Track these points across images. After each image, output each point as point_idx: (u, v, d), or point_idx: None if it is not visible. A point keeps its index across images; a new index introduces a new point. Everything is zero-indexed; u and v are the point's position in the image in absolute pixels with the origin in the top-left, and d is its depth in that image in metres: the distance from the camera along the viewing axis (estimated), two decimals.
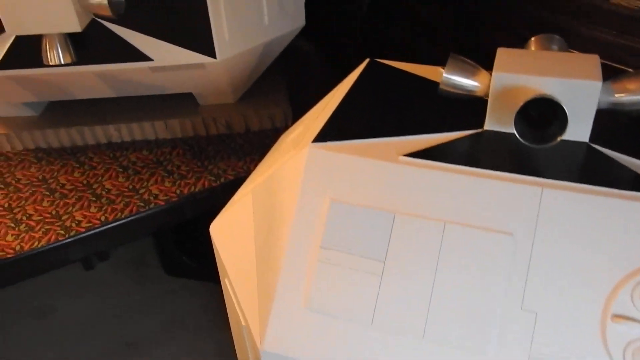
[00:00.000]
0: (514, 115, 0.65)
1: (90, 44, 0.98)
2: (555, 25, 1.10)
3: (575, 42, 1.10)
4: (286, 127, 1.25)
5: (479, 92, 0.71)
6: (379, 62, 0.89)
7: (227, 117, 1.23)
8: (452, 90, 0.72)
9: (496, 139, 0.69)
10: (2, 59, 1.00)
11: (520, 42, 0.90)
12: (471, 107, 0.73)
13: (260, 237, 0.75)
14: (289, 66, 1.39)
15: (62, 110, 1.23)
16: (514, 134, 0.65)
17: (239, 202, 0.81)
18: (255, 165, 1.16)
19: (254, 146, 1.22)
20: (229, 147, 1.21)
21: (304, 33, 1.24)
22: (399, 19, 1.41)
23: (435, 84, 0.81)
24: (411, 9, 1.36)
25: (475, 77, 0.71)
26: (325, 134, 0.71)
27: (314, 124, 0.79)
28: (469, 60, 0.72)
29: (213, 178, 1.12)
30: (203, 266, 1.75)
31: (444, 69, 0.86)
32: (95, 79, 1.09)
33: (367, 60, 0.89)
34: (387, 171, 0.67)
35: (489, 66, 0.73)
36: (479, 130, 0.71)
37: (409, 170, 0.66)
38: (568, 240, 0.60)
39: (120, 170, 1.15)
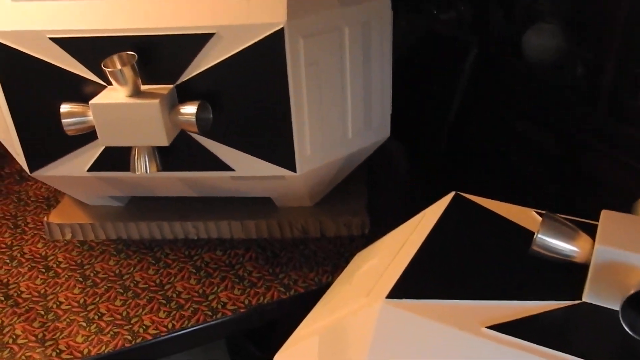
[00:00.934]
0: (620, 295, 0.57)
1: (176, 153, 1.00)
2: None
3: None
4: (362, 237, 1.21)
5: (578, 259, 0.64)
6: (465, 197, 0.83)
7: (303, 222, 1.21)
8: (546, 253, 0.65)
9: (597, 317, 0.61)
10: (93, 163, 1.04)
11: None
12: (566, 271, 0.66)
13: None
14: (371, 161, 1.35)
15: (145, 204, 1.26)
16: (618, 311, 0.57)
17: (305, 341, 0.77)
18: (327, 279, 1.12)
19: (327, 254, 1.18)
20: (302, 253, 1.19)
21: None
22: (489, 128, 1.35)
23: (526, 233, 0.74)
24: (505, 123, 1.31)
25: (574, 241, 0.64)
26: (401, 290, 0.66)
27: (389, 268, 0.74)
28: (567, 222, 0.65)
29: (283, 289, 1.09)
30: (270, 358, 1.70)
31: (537, 213, 0.79)
32: (178, 182, 1.11)
33: (453, 194, 0.84)
34: (467, 343, 0.60)
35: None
36: (576, 302, 0.63)
37: (492, 346, 0.59)
38: None
39: (193, 271, 1.15)
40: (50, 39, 0.92)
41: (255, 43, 0.90)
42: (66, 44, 0.93)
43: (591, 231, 0.67)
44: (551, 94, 1.31)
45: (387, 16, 1.05)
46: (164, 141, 0.93)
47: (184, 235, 1.23)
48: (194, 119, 0.91)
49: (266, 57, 0.91)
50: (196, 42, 0.91)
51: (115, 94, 0.92)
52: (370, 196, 1.28)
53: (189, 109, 0.91)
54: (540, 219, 0.77)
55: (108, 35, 0.91)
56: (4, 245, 1.25)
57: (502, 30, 1.46)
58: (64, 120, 0.93)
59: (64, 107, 0.93)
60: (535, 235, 0.65)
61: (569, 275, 0.65)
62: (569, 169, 1.26)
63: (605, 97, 1.19)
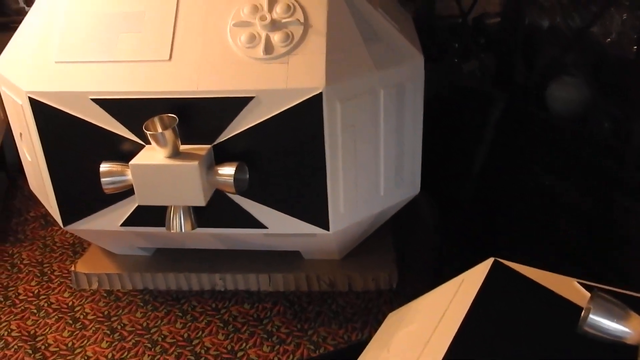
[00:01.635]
0: None
1: (210, 211, 1.01)
2: None
3: None
4: (390, 291, 1.20)
5: (630, 340, 0.63)
6: (504, 265, 0.83)
7: (331, 275, 1.20)
8: (596, 333, 0.64)
9: None
10: (127, 218, 1.05)
11: None
12: (615, 348, 0.65)
13: None
14: (398, 212, 1.34)
15: (172, 254, 1.26)
16: None
17: None
18: (356, 337, 1.11)
19: (356, 310, 1.17)
20: (330, 308, 1.18)
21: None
22: (515, 181, 1.35)
23: (570, 306, 0.73)
24: (532, 177, 1.31)
25: (626, 322, 0.63)
26: None
27: (433, 338, 0.73)
28: (617, 301, 0.65)
29: (312, 347, 1.08)
30: None
31: (580, 284, 0.78)
32: (209, 237, 1.11)
33: (492, 261, 0.84)
34: None
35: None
36: None
37: None
38: None
39: (221, 325, 1.14)
40: (92, 99, 0.94)
41: (294, 107, 0.91)
42: (107, 104, 0.94)
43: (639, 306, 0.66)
44: (577, 148, 1.31)
45: (420, 77, 1.06)
46: (201, 201, 0.93)
47: (211, 287, 1.23)
48: (232, 180, 0.92)
49: (304, 120, 0.92)
50: (236, 104, 0.92)
51: (154, 154, 0.93)
52: (396, 247, 1.27)
53: (227, 170, 0.92)
54: (582, 289, 0.77)
55: (149, 97, 0.93)
56: (31, 294, 1.25)
57: (525, 82, 1.48)
58: (103, 179, 0.94)
59: (104, 167, 0.94)
60: (585, 315, 0.64)
61: (618, 353, 0.65)
62: (597, 224, 1.25)
63: (633, 151, 1.19)
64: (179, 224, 0.97)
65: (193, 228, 0.98)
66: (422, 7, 1.91)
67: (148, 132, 0.88)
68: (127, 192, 0.99)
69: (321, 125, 0.92)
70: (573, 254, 1.23)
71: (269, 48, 0.92)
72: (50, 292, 1.26)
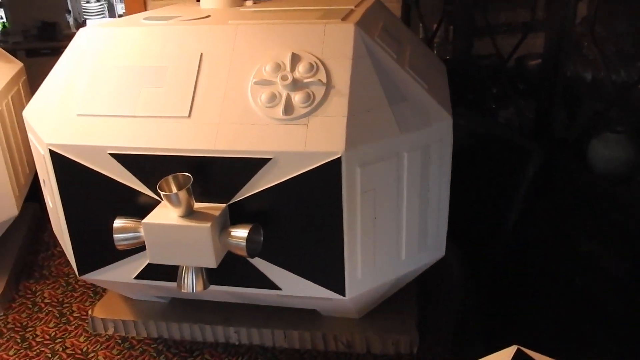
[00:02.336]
0: None
1: (223, 269, 0.98)
2: None
3: None
4: (410, 355, 1.14)
5: None
6: (528, 356, 0.77)
7: (349, 336, 1.15)
8: None
9: None
10: (141, 271, 1.03)
11: None
12: None
13: None
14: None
15: (188, 302, 1.24)
16: None
17: None
18: None
19: None
20: None
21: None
22: (550, 245, 1.28)
23: None
24: (569, 242, 1.23)
25: None
26: None
27: None
28: None
29: None
30: None
31: None
32: (223, 293, 1.08)
33: (514, 350, 0.78)
34: None
35: None
36: None
37: None
38: None
39: None
40: (110, 154, 0.93)
41: (311, 170, 0.88)
42: (125, 160, 0.93)
43: None
44: (619, 212, 1.23)
45: (448, 138, 1.02)
46: (212, 263, 0.91)
47: (225, 340, 1.20)
48: (244, 244, 0.89)
49: (321, 184, 0.89)
50: (253, 165, 0.90)
51: (168, 213, 0.91)
52: (419, 304, 1.21)
53: (240, 233, 0.89)
54: None
55: (166, 154, 0.91)
56: (47, 337, 1.25)
57: (566, 136, 1.40)
58: (115, 236, 0.92)
59: (117, 223, 0.92)
60: None
61: None
62: (639, 294, 1.16)
63: None
64: (190, 284, 0.94)
65: (205, 288, 0.95)
66: (459, 49, 1.86)
67: (162, 192, 0.87)
68: (142, 246, 0.97)
69: (339, 189, 0.89)
70: (611, 325, 1.15)
71: (289, 108, 0.90)
72: (66, 335, 1.25)
